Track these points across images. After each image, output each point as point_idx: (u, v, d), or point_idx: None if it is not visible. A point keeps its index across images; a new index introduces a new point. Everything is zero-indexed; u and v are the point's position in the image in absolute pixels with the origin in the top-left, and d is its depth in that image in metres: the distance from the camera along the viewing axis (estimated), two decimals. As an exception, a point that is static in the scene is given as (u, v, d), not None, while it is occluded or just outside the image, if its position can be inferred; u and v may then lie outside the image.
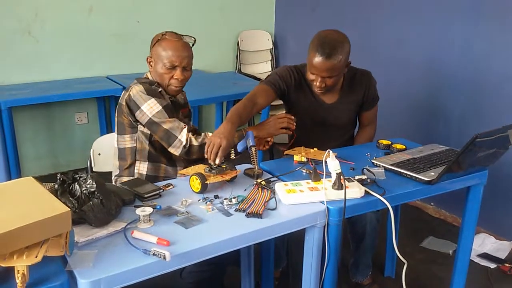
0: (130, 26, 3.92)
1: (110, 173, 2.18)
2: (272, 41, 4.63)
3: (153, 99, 1.94)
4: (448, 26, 3.14)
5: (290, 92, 2.28)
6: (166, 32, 2.04)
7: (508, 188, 2.93)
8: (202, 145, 1.91)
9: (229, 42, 4.47)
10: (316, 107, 2.31)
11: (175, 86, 2.04)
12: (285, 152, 2.10)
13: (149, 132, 2.01)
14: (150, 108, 1.93)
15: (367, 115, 2.42)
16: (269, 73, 4.45)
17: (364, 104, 2.37)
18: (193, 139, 1.93)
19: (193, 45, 2.08)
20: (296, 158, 2.01)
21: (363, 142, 2.41)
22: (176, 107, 2.10)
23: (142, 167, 2.06)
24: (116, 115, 2.07)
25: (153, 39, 2.07)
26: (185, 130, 1.93)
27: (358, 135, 2.47)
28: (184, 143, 1.91)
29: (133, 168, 2.06)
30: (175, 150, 1.94)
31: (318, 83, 2.14)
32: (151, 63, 2.07)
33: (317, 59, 2.06)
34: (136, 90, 1.96)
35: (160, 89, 2.02)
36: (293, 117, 2.06)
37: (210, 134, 1.94)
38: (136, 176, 2.04)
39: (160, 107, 1.94)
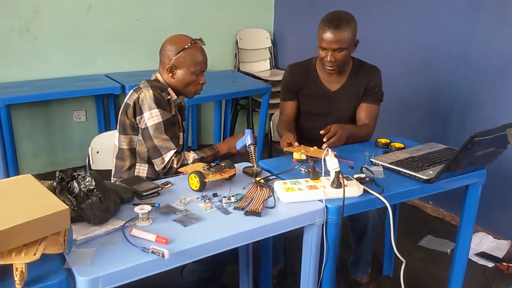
0: (129, 24, 3.91)
1: (109, 171, 2.17)
2: (271, 39, 4.63)
3: (157, 110, 1.94)
4: (447, 24, 3.13)
5: (302, 87, 2.41)
6: (194, 39, 2.02)
7: (507, 187, 2.93)
8: (181, 166, 1.94)
9: (228, 40, 4.46)
10: (322, 94, 2.37)
11: (200, 91, 2.09)
12: (285, 150, 2.10)
13: None
14: (151, 117, 1.94)
15: (364, 109, 2.35)
16: (268, 72, 4.53)
17: (364, 94, 2.36)
18: (175, 161, 1.95)
19: None
20: (295, 156, 2.01)
21: (360, 129, 2.34)
22: (181, 110, 2.14)
23: (142, 169, 2.05)
24: (120, 113, 2.05)
25: (174, 46, 2.00)
26: (171, 152, 1.95)
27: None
28: (165, 164, 1.95)
29: (133, 170, 2.06)
30: (155, 165, 1.99)
31: (328, 58, 2.20)
32: (173, 70, 2.02)
33: (326, 31, 2.17)
34: (146, 95, 1.94)
35: (169, 97, 2.02)
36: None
37: (191, 152, 1.99)
38: None
39: (161, 120, 1.94)
